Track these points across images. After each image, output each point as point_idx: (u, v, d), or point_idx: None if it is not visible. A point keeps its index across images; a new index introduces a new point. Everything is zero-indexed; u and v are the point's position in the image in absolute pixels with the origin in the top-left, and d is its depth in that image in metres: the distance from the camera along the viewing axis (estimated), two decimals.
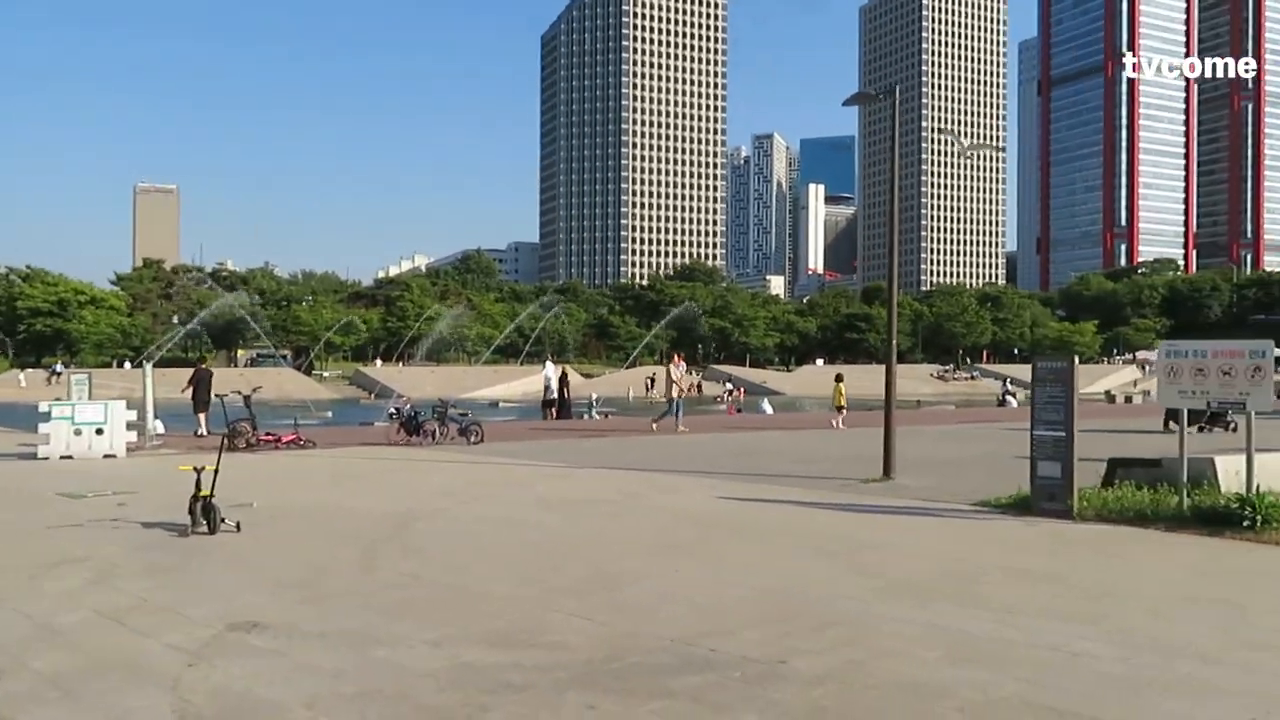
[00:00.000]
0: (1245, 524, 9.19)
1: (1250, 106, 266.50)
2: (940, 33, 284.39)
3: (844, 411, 24.95)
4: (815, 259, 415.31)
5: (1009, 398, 40.66)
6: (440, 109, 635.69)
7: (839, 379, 25.47)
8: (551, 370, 28.94)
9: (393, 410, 21.53)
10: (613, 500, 11.95)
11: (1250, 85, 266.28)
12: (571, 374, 36.07)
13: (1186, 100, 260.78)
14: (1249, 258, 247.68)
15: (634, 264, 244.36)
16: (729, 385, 64.89)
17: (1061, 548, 8.91)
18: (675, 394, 23.73)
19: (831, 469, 15.16)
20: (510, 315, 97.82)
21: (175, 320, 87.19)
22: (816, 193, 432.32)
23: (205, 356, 43.60)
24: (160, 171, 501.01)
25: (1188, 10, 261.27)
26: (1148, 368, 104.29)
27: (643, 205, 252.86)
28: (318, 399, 53.47)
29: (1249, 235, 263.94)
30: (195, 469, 9.44)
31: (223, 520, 9.35)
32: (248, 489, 11.90)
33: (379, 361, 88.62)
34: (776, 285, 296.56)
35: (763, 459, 16.92)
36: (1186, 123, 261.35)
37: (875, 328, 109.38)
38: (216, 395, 19.24)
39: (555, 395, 28.37)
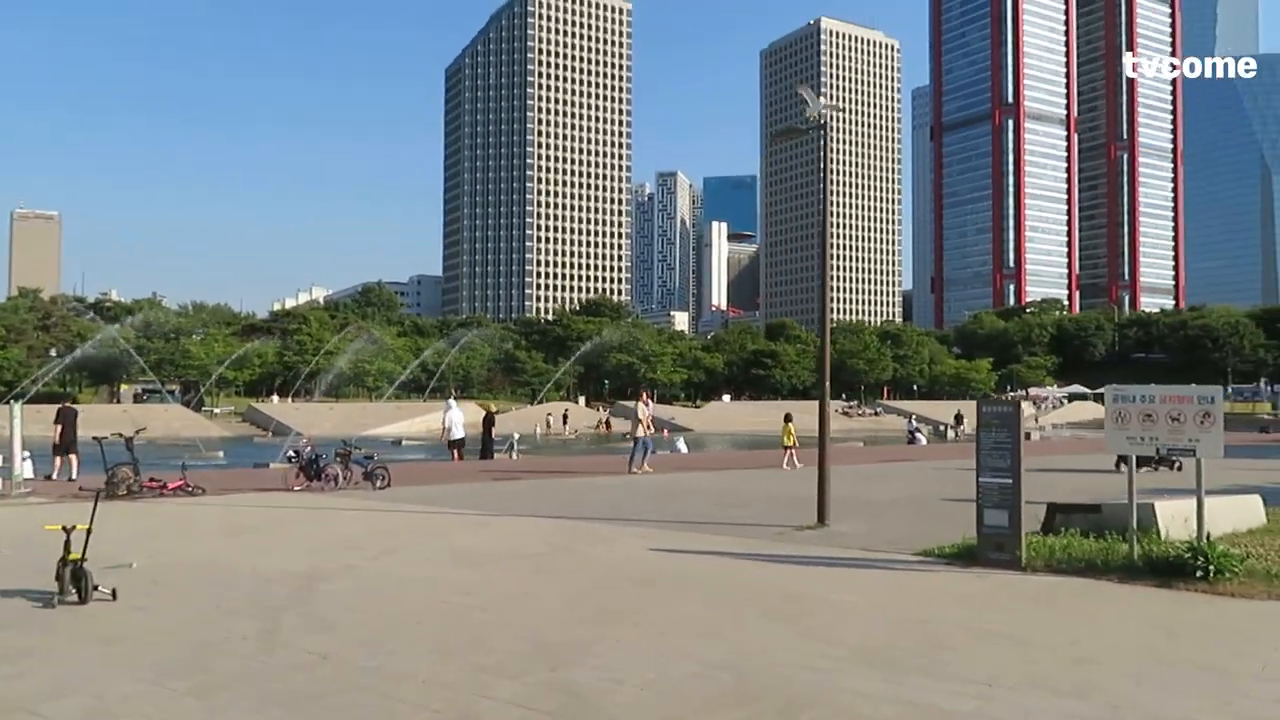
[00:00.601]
0: (1199, 574, 8.92)
1: (1125, 156, 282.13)
2: (838, 78, 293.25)
3: (792, 451, 24.56)
4: (718, 295, 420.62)
5: (917, 435, 41.08)
6: (341, 139, 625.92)
7: (788, 418, 25.09)
8: (455, 409, 27.75)
9: (291, 452, 20.20)
10: (538, 553, 11.10)
11: (1125, 136, 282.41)
12: (478, 411, 34.91)
13: (1068, 148, 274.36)
14: (1127, 298, 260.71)
15: (539, 299, 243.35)
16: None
17: (1020, 604, 8.47)
18: (642, 432, 22.99)
19: (762, 513, 14.59)
20: (413, 350, 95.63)
21: (53, 353, 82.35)
22: (719, 230, 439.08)
23: (72, 394, 40.85)
24: (41, 197, 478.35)
25: (1067, 66, 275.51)
26: (1041, 404, 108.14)
27: (548, 240, 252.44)
28: (208, 437, 50.83)
29: (1126, 278, 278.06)
30: (64, 528, 8.28)
31: (96, 588, 8.18)
32: (128, 545, 10.67)
33: (275, 397, 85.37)
34: (681, 321, 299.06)
35: (688, 502, 16.26)
36: (1068, 170, 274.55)
37: (781, 364, 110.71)
38: (94, 437, 17.53)
39: (460, 435, 27.23)
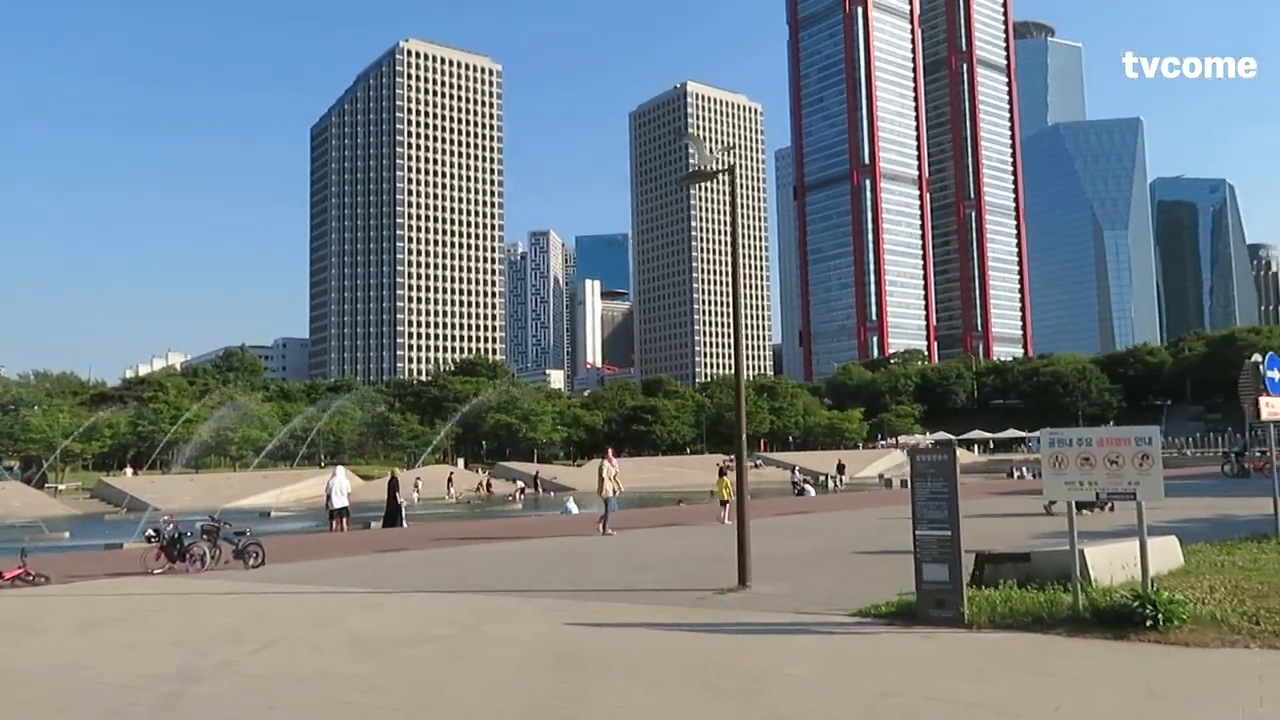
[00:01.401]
0: (1148, 624, 8.60)
1: (973, 214, 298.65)
2: (705, 137, 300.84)
3: (728, 506, 23.88)
4: (593, 353, 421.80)
5: (806, 487, 41.10)
6: (199, 200, 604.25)
7: (723, 471, 24.46)
8: (341, 476, 25.98)
9: (151, 530, 18.29)
10: (444, 636, 9.98)
11: (972, 196, 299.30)
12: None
13: (921, 207, 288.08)
14: (980, 348, 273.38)
15: (412, 360, 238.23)
16: (520, 484, 62.77)
17: (979, 667, 7.91)
18: (610, 491, 22.08)
19: (676, 576, 13.79)
20: (280, 415, 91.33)
21: None
22: (593, 288, 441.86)
23: None
24: None
25: (918, 129, 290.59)
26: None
27: (420, 300, 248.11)
28: (52, 517, 46.67)
29: (979, 328, 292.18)
30: None
31: None
32: None
33: (128, 470, 79.80)
34: (556, 380, 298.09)
35: (595, 567, 15.30)
36: (922, 227, 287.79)
37: (661, 419, 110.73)
38: None
39: (342, 504, 25.42)
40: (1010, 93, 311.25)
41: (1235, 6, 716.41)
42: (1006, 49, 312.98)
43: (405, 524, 28.00)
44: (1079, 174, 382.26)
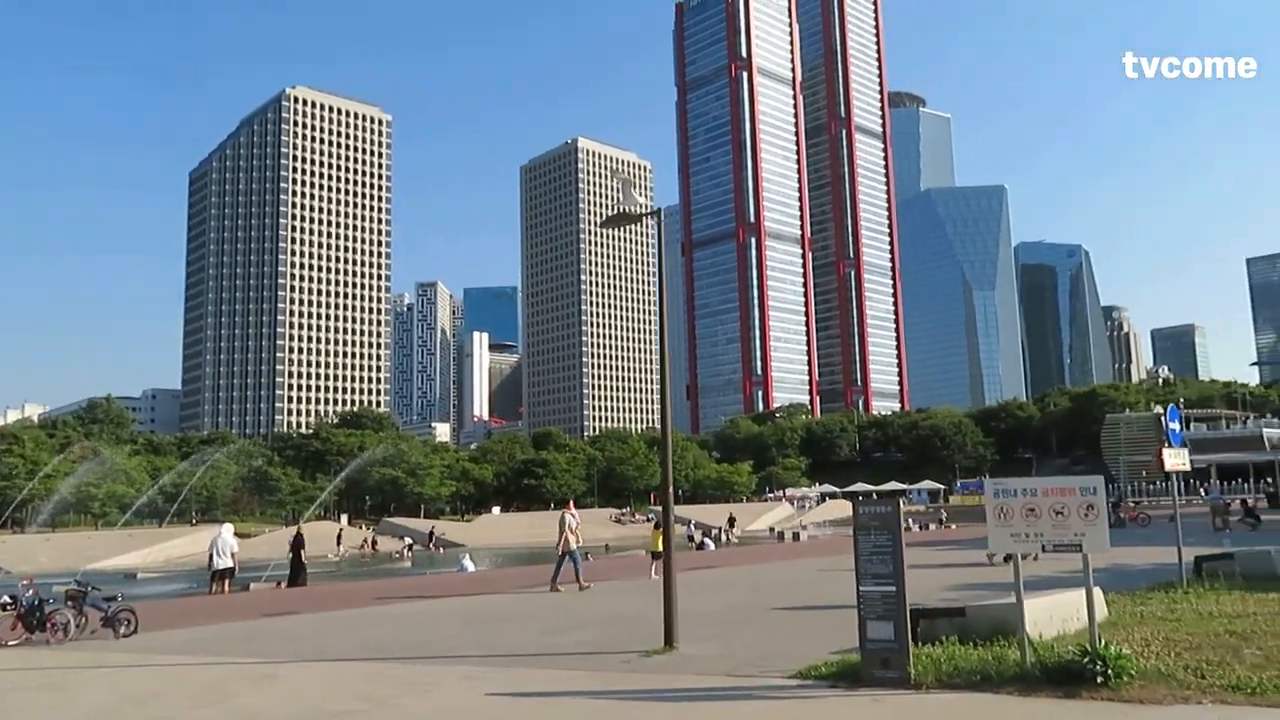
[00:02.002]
0: (1099, 680, 8.41)
1: (853, 273, 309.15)
2: (595, 194, 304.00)
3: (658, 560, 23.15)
4: (480, 406, 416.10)
5: (706, 541, 40.72)
6: (61, 245, 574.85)
7: (657, 525, 23.81)
8: (225, 534, 24.19)
9: (6, 597, 16.52)
10: (350, 712, 9.03)
11: (851, 255, 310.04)
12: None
13: (804, 265, 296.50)
14: (860, 402, 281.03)
15: (292, 412, 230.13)
16: (408, 540, 60.57)
17: None
18: (573, 544, 21.15)
19: (597, 638, 13.08)
20: (148, 470, 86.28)
21: None
22: (481, 340, 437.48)
23: None
24: None
25: (800, 191, 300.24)
26: (800, 504, 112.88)
27: (302, 351, 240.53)
28: None
29: (859, 383, 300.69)
30: None
31: None
32: None
33: None
34: (442, 433, 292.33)
35: (510, 630, 14.41)
36: (805, 285, 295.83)
37: (552, 473, 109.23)
38: None
39: (227, 565, 23.64)
40: (886, 158, 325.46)
41: (1075, 85, 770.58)
42: (882, 117, 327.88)
43: (305, 582, 26.56)
44: (950, 237, 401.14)
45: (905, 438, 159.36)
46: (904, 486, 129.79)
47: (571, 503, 26.27)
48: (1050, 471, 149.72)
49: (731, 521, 61.61)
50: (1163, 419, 15.88)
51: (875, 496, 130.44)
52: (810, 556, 31.98)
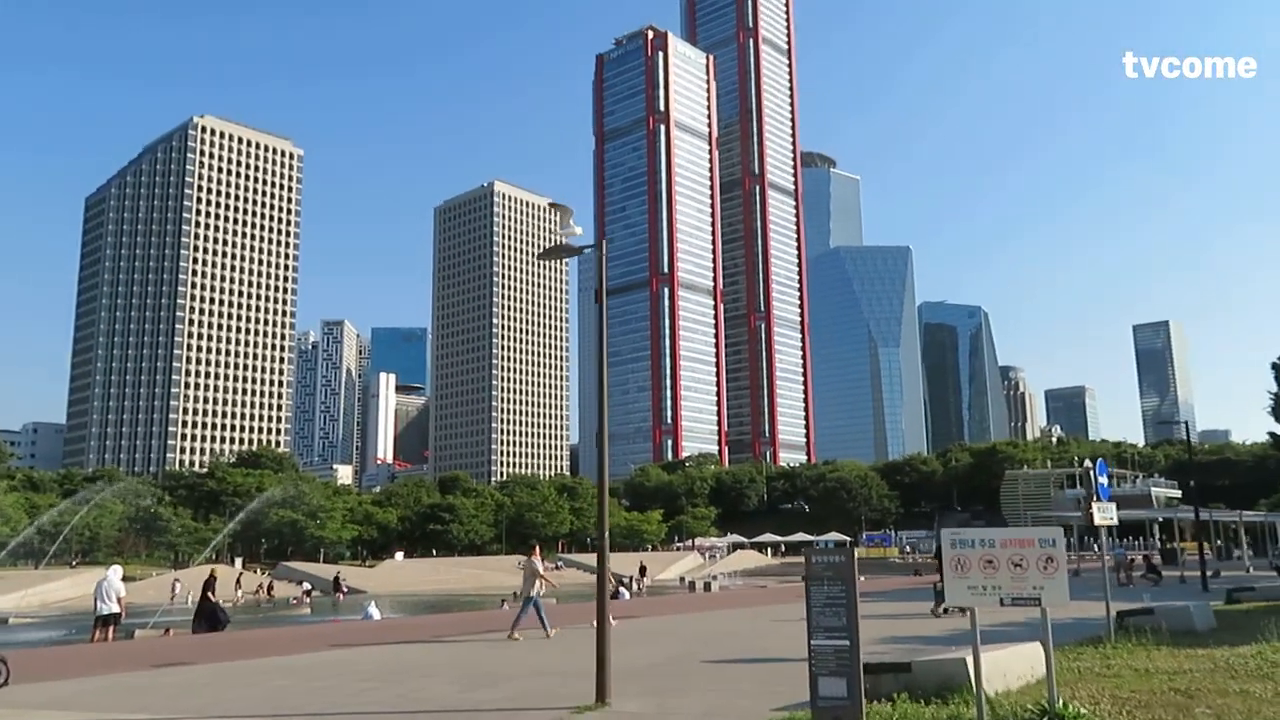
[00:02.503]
0: None
1: (763, 326, 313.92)
2: (511, 237, 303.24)
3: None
4: (385, 448, 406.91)
5: (621, 590, 39.93)
6: None
7: (643, 570, 23.03)
8: (113, 577, 22.43)
9: None
10: None
11: (762, 308, 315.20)
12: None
13: (716, 316, 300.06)
14: (768, 454, 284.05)
15: (185, 450, 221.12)
16: (307, 585, 58.05)
17: None
18: (538, 589, 20.07)
19: (521, 693, 12.31)
20: (26, 507, 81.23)
21: None
22: (388, 381, 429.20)
23: None
24: None
25: (714, 243, 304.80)
26: (710, 553, 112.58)
27: (198, 387, 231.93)
28: None
29: (767, 434, 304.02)
30: None
31: None
32: None
33: None
34: (344, 475, 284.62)
35: (427, 684, 13.46)
36: (716, 336, 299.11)
37: (459, 518, 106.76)
38: None
39: (114, 610, 21.92)
40: (798, 215, 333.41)
41: (974, 139, 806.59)
42: (795, 175, 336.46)
43: (221, 628, 25.04)
44: (857, 294, 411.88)
45: (812, 489, 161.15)
46: (811, 538, 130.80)
47: (536, 547, 25.18)
48: (951, 525, 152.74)
49: (643, 570, 60.82)
50: (1092, 473, 16.01)
51: (783, 548, 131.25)
52: (727, 607, 31.53)
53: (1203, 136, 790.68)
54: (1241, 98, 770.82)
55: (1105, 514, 15.97)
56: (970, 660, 10.49)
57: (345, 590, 57.65)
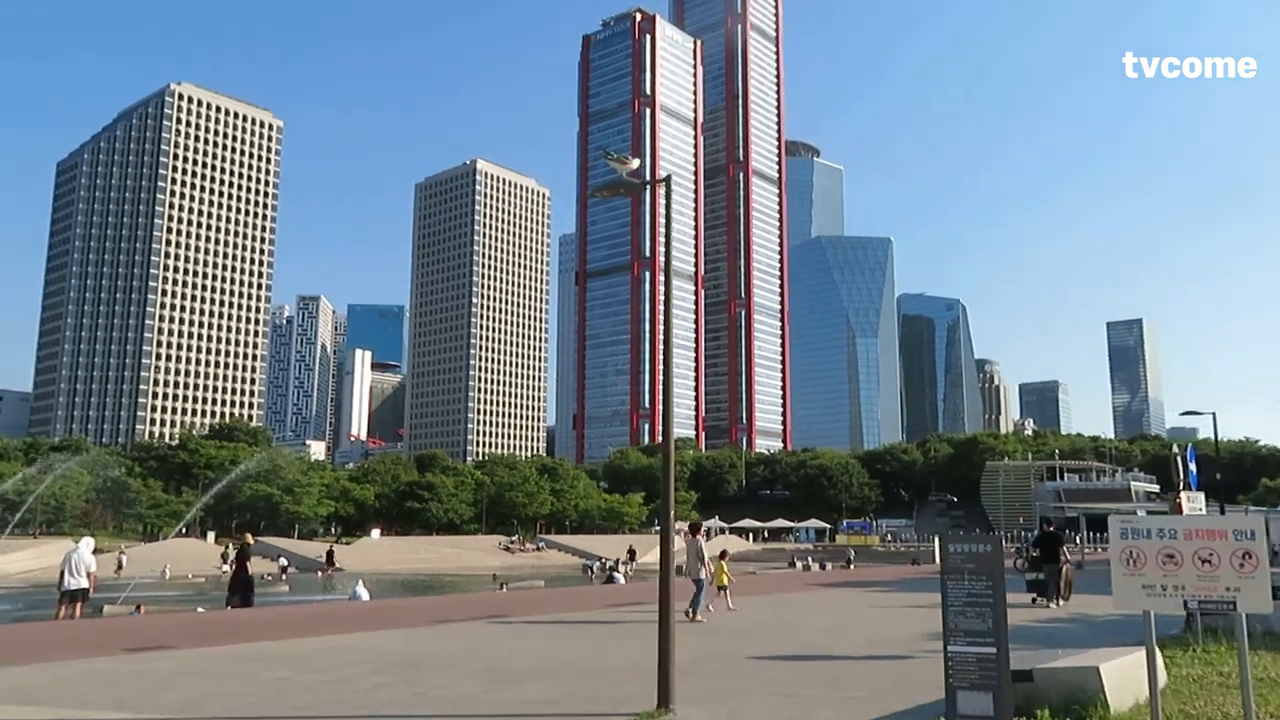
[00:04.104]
0: None
1: (743, 313, 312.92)
2: (492, 218, 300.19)
3: (727, 591, 21.12)
4: (359, 426, 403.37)
5: (617, 574, 38.34)
6: None
7: (724, 555, 21.54)
8: (83, 548, 20.44)
9: None
10: None
11: (743, 296, 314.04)
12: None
13: (696, 302, 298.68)
14: (745, 440, 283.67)
15: (156, 422, 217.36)
16: (283, 561, 56.13)
17: None
18: (706, 571, 19.18)
19: (561, 695, 10.64)
20: None
21: None
22: (363, 358, 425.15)
23: None
24: None
25: (696, 229, 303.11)
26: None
27: (170, 358, 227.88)
28: None
29: (744, 421, 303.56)
30: None
31: None
32: None
33: None
34: (317, 451, 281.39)
35: (445, 682, 11.64)
36: (696, 322, 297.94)
37: (438, 496, 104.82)
38: None
39: (81, 585, 19.97)
40: (781, 204, 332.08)
41: (938, 137, 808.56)
42: (779, 164, 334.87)
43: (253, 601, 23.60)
44: (837, 284, 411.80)
45: (793, 476, 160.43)
46: (791, 524, 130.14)
47: (701, 525, 23.47)
48: (930, 515, 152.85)
49: (632, 554, 59.43)
50: (1180, 459, 14.53)
51: (765, 534, 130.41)
52: (734, 595, 29.95)
53: (1179, 132, 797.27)
54: (1222, 95, 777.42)
55: (1193, 504, 14.55)
56: (1104, 671, 8.99)
57: (337, 567, 55.77)
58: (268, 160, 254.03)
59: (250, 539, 25.07)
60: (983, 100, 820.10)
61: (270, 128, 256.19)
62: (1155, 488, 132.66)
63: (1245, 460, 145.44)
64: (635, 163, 10.32)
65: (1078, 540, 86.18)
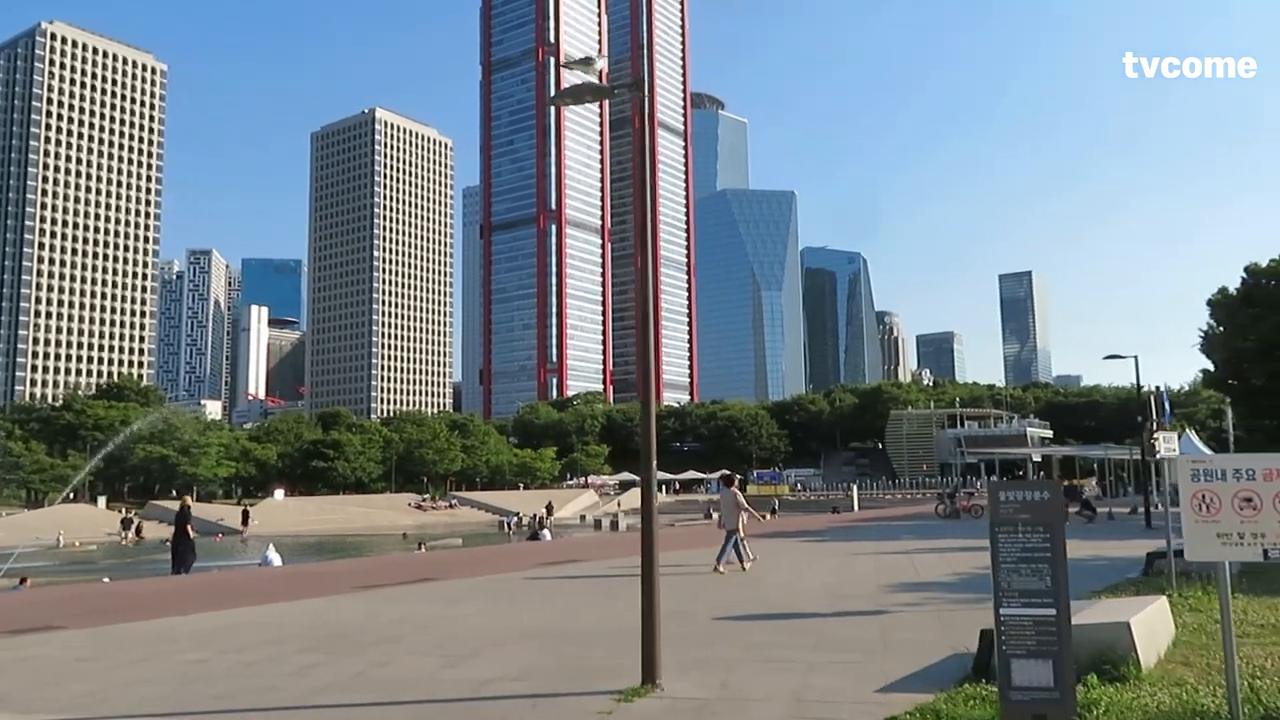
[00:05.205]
0: None
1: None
2: (393, 169, 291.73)
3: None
4: (257, 384, 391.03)
5: (544, 531, 37.19)
6: None
7: (550, 508, 20.06)
8: None
9: None
10: None
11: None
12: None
13: (603, 255, 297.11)
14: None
15: (35, 382, 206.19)
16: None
17: None
18: (743, 521, 18.93)
19: (524, 669, 9.39)
20: None
21: None
22: (259, 314, 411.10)
23: None
24: None
25: (602, 181, 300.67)
26: (604, 492, 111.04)
27: (51, 315, 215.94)
28: None
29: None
30: None
31: None
32: None
33: None
34: (213, 411, 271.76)
35: (388, 659, 10.32)
36: (603, 275, 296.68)
37: (345, 455, 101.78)
38: None
39: None
40: (686, 156, 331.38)
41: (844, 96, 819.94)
42: (685, 116, 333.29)
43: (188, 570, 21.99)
44: (743, 237, 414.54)
45: (703, 428, 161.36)
46: (702, 475, 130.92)
47: (737, 479, 22.49)
48: (837, 464, 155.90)
49: (550, 509, 58.38)
50: (1154, 398, 14.02)
51: (677, 486, 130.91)
52: (664, 549, 29.08)
53: (1062, 84, 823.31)
54: (1106, 48, 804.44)
55: (1169, 444, 14.10)
56: (1136, 628, 8.23)
57: (250, 530, 53.14)
58: (151, 107, 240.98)
59: (189, 501, 23.40)
60: (886, 54, 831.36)
61: (153, 71, 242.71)
62: (1049, 433, 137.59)
63: (1130, 405, 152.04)
64: (600, 62, 8.96)
65: (979, 485, 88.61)
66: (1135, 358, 27.71)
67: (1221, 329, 37.34)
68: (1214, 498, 6.43)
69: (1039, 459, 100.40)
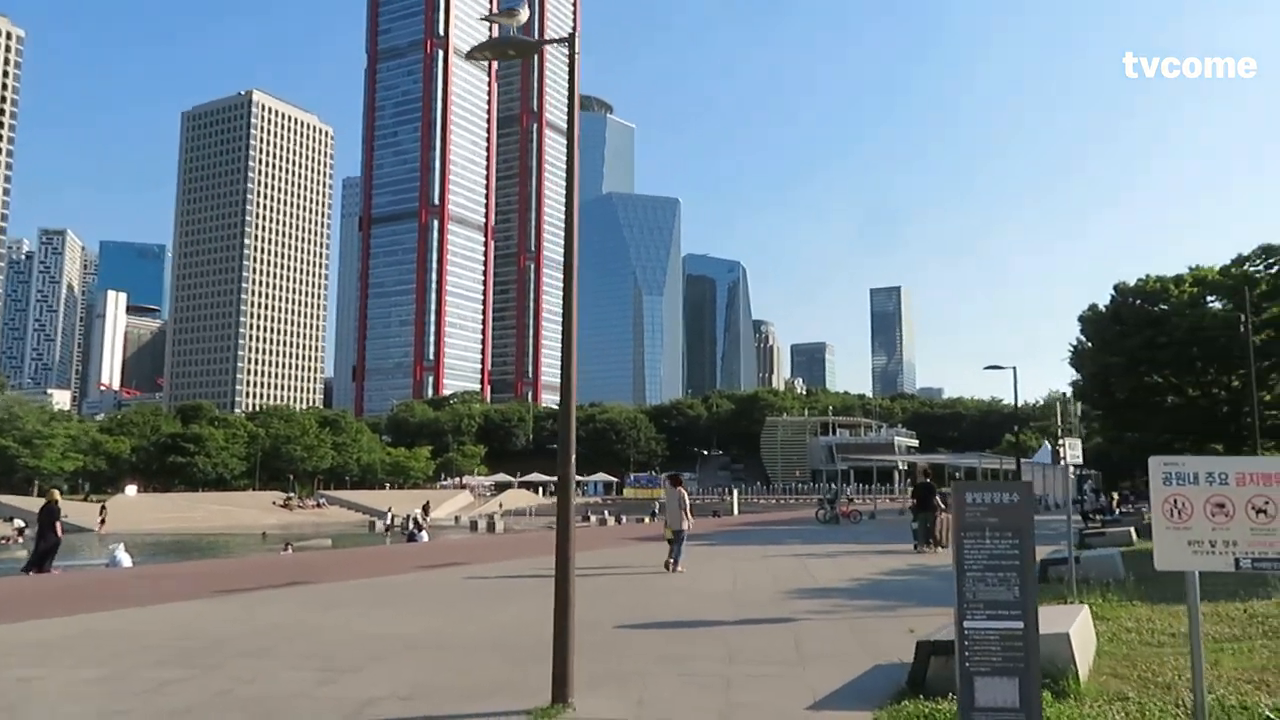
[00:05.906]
0: None
1: (532, 266, 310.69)
2: (268, 154, 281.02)
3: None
4: (111, 374, 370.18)
5: (421, 533, 35.61)
6: None
7: (426, 509, 18.71)
8: None
9: None
10: None
11: (533, 249, 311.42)
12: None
13: (485, 253, 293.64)
14: (530, 394, 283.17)
15: None
16: (19, 522, 49.24)
17: None
18: (688, 525, 18.91)
19: (420, 686, 8.37)
20: None
21: None
22: (117, 300, 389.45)
23: None
24: None
25: (488, 179, 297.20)
26: (479, 493, 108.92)
27: None
28: None
29: (530, 375, 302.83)
30: None
31: None
32: None
33: None
34: (62, 400, 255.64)
35: (258, 671, 9.11)
36: (485, 273, 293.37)
37: (206, 450, 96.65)
38: None
39: None
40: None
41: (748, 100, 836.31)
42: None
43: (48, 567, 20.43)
44: (626, 241, 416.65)
45: (581, 430, 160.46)
46: (580, 478, 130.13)
47: (680, 476, 21.34)
48: (714, 469, 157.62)
49: (426, 509, 56.53)
50: (1060, 406, 13.76)
51: (552, 488, 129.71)
52: (543, 553, 28.21)
53: (937, 105, 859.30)
54: (985, 72, 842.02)
55: (1074, 450, 14.09)
56: (1072, 638, 7.84)
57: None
58: (4, 74, 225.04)
59: (56, 495, 21.30)
60: (776, 64, 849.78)
61: (8, 36, 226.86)
62: (915, 442, 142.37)
63: (991, 417, 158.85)
64: (524, 14, 8.10)
65: (847, 491, 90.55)
66: (1014, 369, 28.40)
67: (1090, 344, 38.94)
68: (1186, 503, 6.01)
69: (905, 466, 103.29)
